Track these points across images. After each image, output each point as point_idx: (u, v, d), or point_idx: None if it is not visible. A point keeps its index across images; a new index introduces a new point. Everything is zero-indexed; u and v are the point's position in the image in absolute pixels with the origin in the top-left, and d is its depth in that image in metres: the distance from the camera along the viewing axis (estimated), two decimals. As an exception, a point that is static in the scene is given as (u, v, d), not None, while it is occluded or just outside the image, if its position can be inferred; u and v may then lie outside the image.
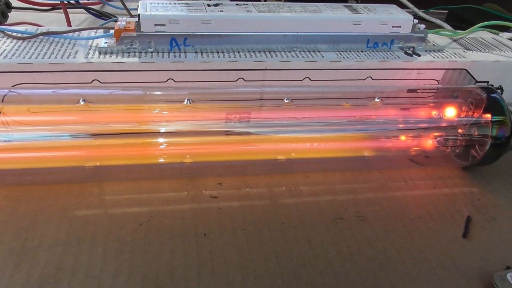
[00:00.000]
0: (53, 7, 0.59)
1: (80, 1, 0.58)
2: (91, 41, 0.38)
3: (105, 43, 0.36)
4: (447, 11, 0.70)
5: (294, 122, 0.38)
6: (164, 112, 0.35)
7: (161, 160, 0.37)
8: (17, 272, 0.27)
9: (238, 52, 0.37)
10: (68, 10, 0.65)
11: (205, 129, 0.37)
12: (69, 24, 0.51)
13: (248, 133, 0.37)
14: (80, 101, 0.32)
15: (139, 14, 0.35)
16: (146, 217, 0.32)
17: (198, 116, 0.36)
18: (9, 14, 0.58)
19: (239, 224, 0.32)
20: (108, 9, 0.62)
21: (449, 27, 0.50)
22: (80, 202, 0.33)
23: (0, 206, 0.32)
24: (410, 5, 0.55)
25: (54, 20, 0.63)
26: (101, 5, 0.63)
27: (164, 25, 0.35)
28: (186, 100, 0.34)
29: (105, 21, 0.55)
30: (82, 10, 0.64)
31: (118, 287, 0.26)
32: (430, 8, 0.67)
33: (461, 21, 0.64)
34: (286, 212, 0.33)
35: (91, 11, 0.58)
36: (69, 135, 0.34)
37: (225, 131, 0.37)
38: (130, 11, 0.48)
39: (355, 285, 0.27)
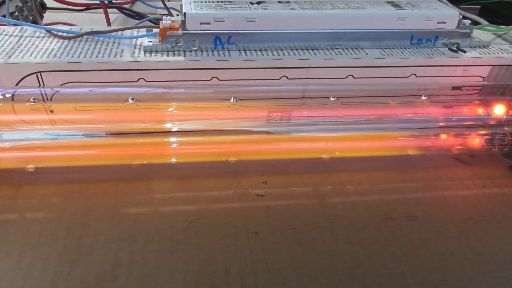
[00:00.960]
0: (87, 7, 0.59)
1: (113, 1, 0.58)
2: (134, 40, 0.38)
3: (149, 42, 0.36)
4: (479, 6, 0.69)
5: (337, 120, 0.37)
6: (206, 111, 0.35)
7: (204, 159, 0.37)
8: (74, 268, 0.27)
9: (281, 50, 0.37)
10: (99, 10, 0.66)
11: (247, 127, 0.37)
12: (108, 24, 0.51)
13: (290, 132, 0.37)
14: (129, 99, 0.32)
15: (184, 13, 0.35)
16: (196, 216, 0.32)
17: (240, 115, 0.36)
18: (44, 14, 0.59)
19: (289, 223, 0.31)
20: (137, 8, 0.62)
21: (486, 22, 0.48)
22: (129, 200, 0.33)
23: (52, 203, 0.32)
24: (444, 0, 0.54)
25: (86, 20, 0.63)
26: (129, 4, 0.63)
27: (209, 23, 0.35)
28: (232, 98, 0.34)
29: (140, 21, 0.55)
30: (110, 10, 0.65)
31: (175, 285, 0.26)
32: (461, 4, 0.65)
33: (496, 15, 0.62)
34: (334, 212, 0.33)
35: (123, 10, 0.59)
36: (114, 134, 0.35)
37: (266, 130, 0.37)
38: (159, 10, 0.48)
39: (413, 287, 0.27)
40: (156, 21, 0.55)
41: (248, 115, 0.36)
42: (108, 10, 0.68)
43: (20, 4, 0.54)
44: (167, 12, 0.62)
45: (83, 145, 0.35)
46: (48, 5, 0.59)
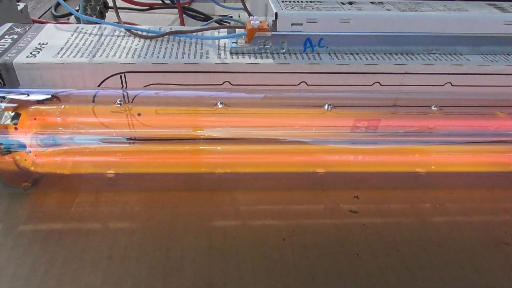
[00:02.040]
0: (151, 7, 0.58)
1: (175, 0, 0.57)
2: (217, 41, 0.36)
3: (233, 43, 0.34)
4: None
5: (433, 132, 0.34)
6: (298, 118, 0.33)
7: (290, 170, 0.34)
8: (167, 286, 0.25)
9: (374, 54, 0.34)
10: (158, 10, 0.65)
11: (336, 137, 0.34)
12: (182, 24, 0.50)
13: (383, 143, 0.34)
14: (218, 104, 0.30)
15: (276, 13, 0.32)
16: (288, 232, 0.29)
17: (327, 122, 0.34)
18: (106, 13, 0.58)
19: (390, 244, 0.29)
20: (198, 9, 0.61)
21: None
22: (215, 211, 0.31)
23: (135, 212, 0.30)
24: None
25: (146, 20, 0.62)
26: (188, 3, 0.62)
27: (301, 24, 0.33)
28: (326, 105, 0.31)
29: (208, 21, 0.53)
30: (169, 10, 0.64)
31: (278, 309, 0.24)
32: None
33: None
34: (438, 233, 0.30)
35: (187, 12, 0.57)
36: (195, 140, 0.33)
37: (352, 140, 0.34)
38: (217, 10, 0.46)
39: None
40: (221, 22, 0.54)
41: (336, 123, 0.34)
42: (166, 10, 0.67)
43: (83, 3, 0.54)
44: (224, 14, 0.60)
45: (162, 151, 0.33)
46: (111, 4, 0.59)
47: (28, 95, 0.30)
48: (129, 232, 0.28)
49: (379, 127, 0.34)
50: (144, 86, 0.33)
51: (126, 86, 0.33)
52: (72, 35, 0.36)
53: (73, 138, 0.31)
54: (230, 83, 0.33)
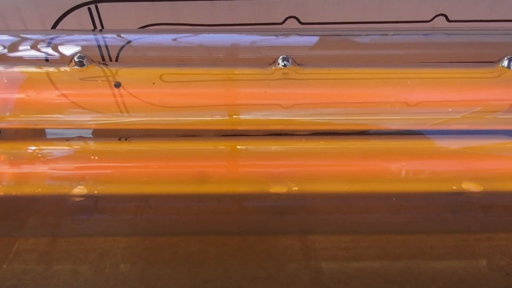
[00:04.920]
0: None
1: None
2: None
3: None
4: None
5: None
6: None
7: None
8: None
9: None
10: None
11: None
12: None
13: None
14: (279, 60, 0.15)
15: None
16: None
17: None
18: None
19: None
20: None
21: None
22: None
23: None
24: None
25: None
26: None
27: None
28: (506, 60, 0.14)
29: None
30: None
31: None
32: None
33: None
34: None
35: None
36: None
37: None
38: None
39: None
40: None
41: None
42: None
43: None
44: None
45: (170, 154, 0.18)
46: None
47: None
48: None
49: None
50: (140, 28, 0.18)
51: (102, 27, 0.17)
52: None
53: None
54: (299, 20, 0.17)
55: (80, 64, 0.15)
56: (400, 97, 0.16)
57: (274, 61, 0.15)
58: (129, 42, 0.18)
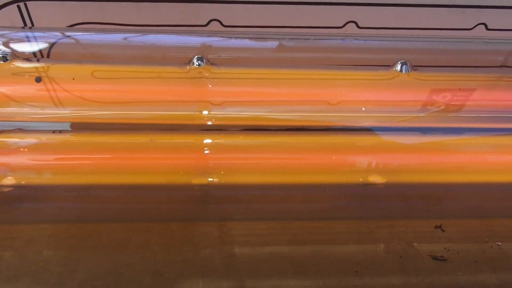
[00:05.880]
0: None
1: None
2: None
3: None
4: None
5: None
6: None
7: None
8: None
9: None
10: None
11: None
12: None
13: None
14: (195, 60, 0.16)
15: None
16: None
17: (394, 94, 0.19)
18: None
19: None
20: None
21: None
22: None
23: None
24: None
25: None
26: None
27: None
28: (399, 65, 0.16)
29: None
30: None
31: None
32: None
33: None
34: None
35: None
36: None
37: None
38: None
39: None
40: None
41: (404, 96, 0.19)
42: None
43: None
44: None
45: (110, 146, 0.19)
46: None
47: None
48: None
49: (468, 104, 0.19)
50: (69, 26, 0.19)
51: (32, 24, 0.18)
52: None
53: None
54: (221, 23, 0.19)
55: (4, 59, 0.16)
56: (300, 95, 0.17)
57: (190, 61, 0.16)
58: (59, 39, 0.18)
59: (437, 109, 0.18)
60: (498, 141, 0.19)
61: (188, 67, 0.16)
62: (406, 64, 0.17)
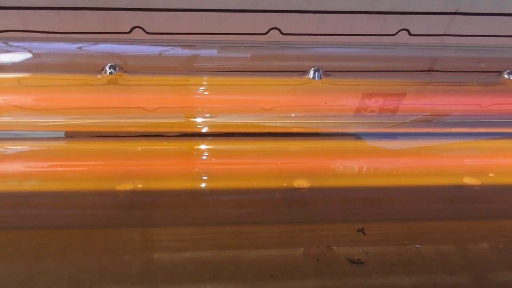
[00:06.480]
0: None
1: None
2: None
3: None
4: None
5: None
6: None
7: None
8: None
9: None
10: None
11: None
12: None
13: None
14: (107, 68, 0.16)
15: None
16: None
17: (316, 99, 0.19)
18: None
19: None
20: None
21: None
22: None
23: None
24: None
25: None
26: None
27: None
28: (312, 72, 0.17)
29: None
30: None
31: None
32: None
33: None
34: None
35: None
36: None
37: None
38: None
39: None
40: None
41: (330, 101, 0.19)
42: None
43: None
44: None
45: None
46: None
47: None
48: None
49: (401, 108, 0.20)
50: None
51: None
52: None
53: None
54: (144, 30, 0.19)
55: None
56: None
57: (102, 69, 0.17)
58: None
59: (350, 114, 0.18)
60: (420, 144, 0.20)
61: (99, 75, 0.16)
62: (319, 71, 0.17)
